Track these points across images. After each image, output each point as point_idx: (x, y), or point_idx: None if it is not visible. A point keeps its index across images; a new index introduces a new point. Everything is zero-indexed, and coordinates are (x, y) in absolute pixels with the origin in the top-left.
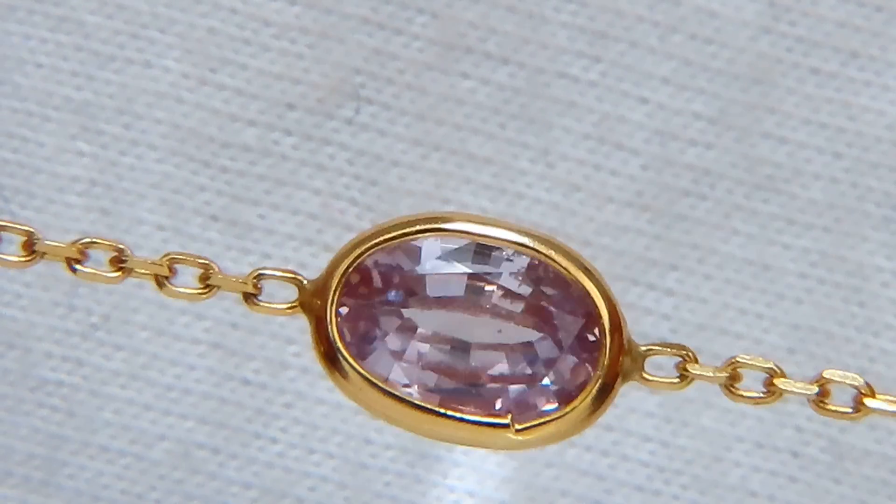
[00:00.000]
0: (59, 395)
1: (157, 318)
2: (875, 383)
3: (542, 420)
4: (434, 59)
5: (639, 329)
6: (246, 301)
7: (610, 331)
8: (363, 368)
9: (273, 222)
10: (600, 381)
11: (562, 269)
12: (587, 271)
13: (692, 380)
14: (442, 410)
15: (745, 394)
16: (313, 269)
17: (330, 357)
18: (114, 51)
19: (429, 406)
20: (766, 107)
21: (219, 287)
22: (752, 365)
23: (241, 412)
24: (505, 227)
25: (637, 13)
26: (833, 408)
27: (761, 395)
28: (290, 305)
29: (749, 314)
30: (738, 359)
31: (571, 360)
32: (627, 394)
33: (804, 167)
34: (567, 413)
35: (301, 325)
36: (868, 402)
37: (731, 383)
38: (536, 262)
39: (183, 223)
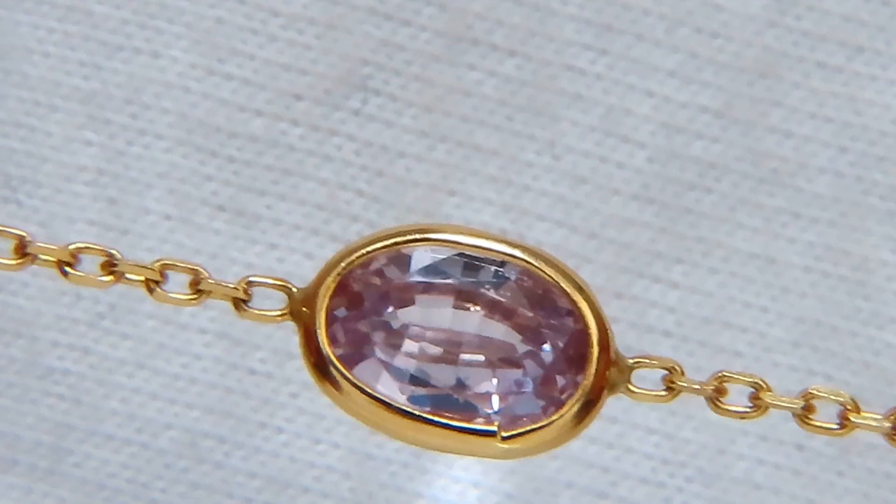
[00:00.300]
0: (65, 383)
1: (163, 307)
2: (879, 377)
3: (528, 428)
4: (441, 50)
5: (643, 322)
6: (236, 307)
7: (598, 345)
8: (352, 376)
9: (279, 212)
10: (586, 392)
11: (551, 281)
12: (576, 284)
13: (679, 393)
14: (429, 417)
15: (730, 408)
16: (319, 259)
17: (319, 365)
18: (121, 41)
19: (416, 412)
20: (772, 100)
21: (209, 293)
22: (738, 379)
23: (247, 402)
24: (495, 239)
25: (643, 6)
26: (818, 423)
27: (747, 409)
28: (279, 313)
29: (754, 307)
30: (724, 373)
31: (558, 373)
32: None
33: (809, 161)
34: (553, 422)
35: None
36: (853, 417)
37: (717, 397)
38: (525, 277)
39: (189, 213)
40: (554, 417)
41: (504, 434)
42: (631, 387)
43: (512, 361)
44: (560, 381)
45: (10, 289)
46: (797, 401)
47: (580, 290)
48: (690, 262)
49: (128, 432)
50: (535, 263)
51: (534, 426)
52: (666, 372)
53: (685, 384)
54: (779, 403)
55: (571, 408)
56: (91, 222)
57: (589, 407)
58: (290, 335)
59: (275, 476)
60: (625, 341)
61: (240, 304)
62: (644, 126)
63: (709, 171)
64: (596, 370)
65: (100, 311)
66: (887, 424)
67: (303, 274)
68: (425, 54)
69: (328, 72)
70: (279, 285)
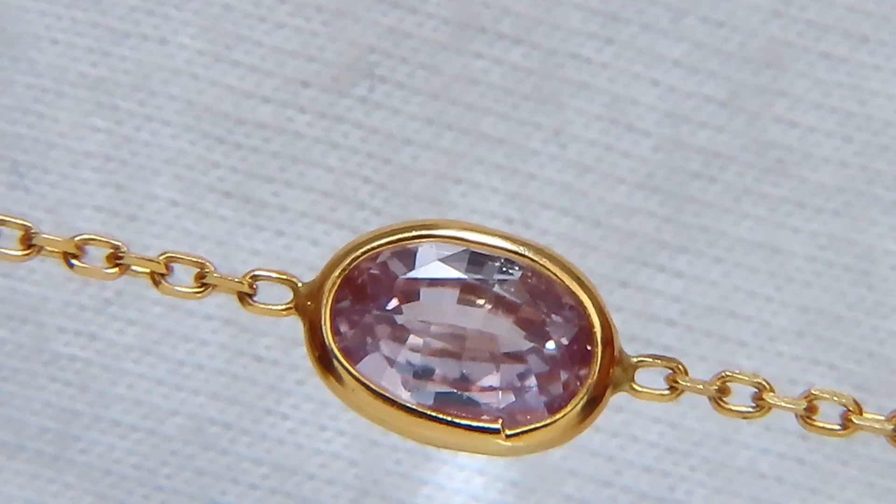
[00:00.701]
0: (72, 369)
1: None
2: (883, 366)
3: (532, 427)
4: (448, 38)
5: (647, 311)
6: (241, 301)
7: (602, 342)
8: (356, 371)
9: (286, 199)
10: (590, 390)
11: (555, 279)
12: (580, 282)
13: (682, 392)
14: (433, 414)
15: (733, 408)
16: (326, 246)
17: (324, 360)
18: (129, 27)
19: (420, 409)
20: (777, 90)
21: (214, 286)
22: (741, 379)
23: (253, 388)
24: (500, 236)
25: None
26: (820, 424)
27: (750, 409)
28: (284, 307)
29: (758, 297)
30: (727, 373)
31: (562, 370)
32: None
33: (814, 151)
34: (557, 420)
35: None
36: (855, 419)
37: (720, 397)
38: (530, 273)
39: (196, 199)
40: (557, 416)
41: (508, 432)
42: (634, 385)
43: (516, 357)
44: (564, 376)
45: (18, 274)
46: (800, 402)
47: (584, 287)
48: (695, 251)
49: (134, 418)
50: (540, 260)
51: (537, 424)
52: (669, 371)
53: (688, 383)
54: (781, 404)
55: (575, 406)
56: (98, 208)
57: (593, 405)
58: (296, 322)
59: (280, 463)
60: (629, 330)
61: (245, 297)
62: (649, 115)
63: (713, 161)
64: (600, 368)
65: (106, 296)
66: (889, 426)
67: (309, 261)
68: (432, 42)
69: (335, 59)
70: (284, 279)
